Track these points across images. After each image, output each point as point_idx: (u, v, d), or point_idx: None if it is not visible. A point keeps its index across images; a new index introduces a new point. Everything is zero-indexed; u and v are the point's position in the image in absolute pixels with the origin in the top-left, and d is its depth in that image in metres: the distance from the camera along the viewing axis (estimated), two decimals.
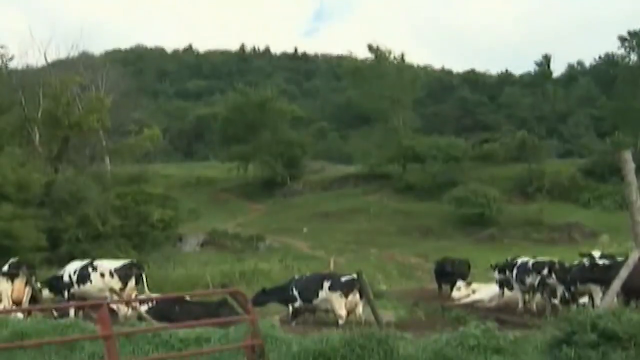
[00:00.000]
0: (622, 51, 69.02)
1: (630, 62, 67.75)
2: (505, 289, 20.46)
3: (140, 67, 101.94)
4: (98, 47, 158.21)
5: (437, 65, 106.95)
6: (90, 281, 17.43)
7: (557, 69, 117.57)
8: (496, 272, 20.35)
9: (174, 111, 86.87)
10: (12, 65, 46.38)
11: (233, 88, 70.67)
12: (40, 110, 40.39)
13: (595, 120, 77.12)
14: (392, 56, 66.83)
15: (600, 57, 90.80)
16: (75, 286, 17.52)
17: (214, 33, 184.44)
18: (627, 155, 11.63)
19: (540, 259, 18.95)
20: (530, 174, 53.80)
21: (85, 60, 51.24)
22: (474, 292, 22.43)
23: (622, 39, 66.23)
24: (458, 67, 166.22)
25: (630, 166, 11.44)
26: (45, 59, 47.16)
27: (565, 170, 54.29)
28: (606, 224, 41.66)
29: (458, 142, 60.05)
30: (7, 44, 73.92)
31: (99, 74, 47.99)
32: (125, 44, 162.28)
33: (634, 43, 65.28)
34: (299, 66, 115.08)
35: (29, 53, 67.77)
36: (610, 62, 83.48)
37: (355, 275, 16.20)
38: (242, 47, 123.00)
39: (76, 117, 39.55)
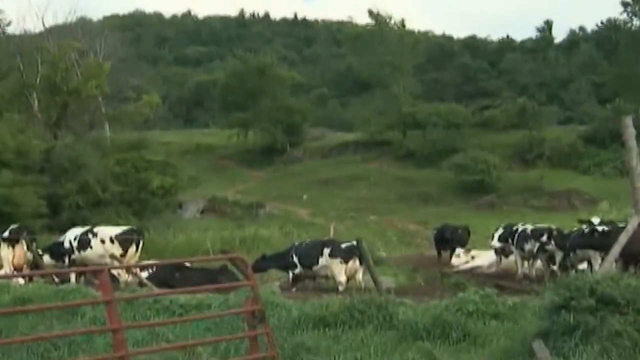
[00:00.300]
0: (624, 16, 68.38)
1: (633, 28, 67.16)
2: (503, 256, 20.52)
3: (139, 32, 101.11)
4: (96, 13, 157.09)
5: (438, 31, 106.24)
6: (91, 247, 17.51)
7: (559, 34, 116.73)
8: (496, 240, 20.23)
9: (173, 77, 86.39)
10: (10, 30, 46.12)
11: (232, 54, 70.21)
12: (39, 76, 40.17)
13: (597, 87, 76.77)
14: (392, 22, 66.34)
15: (602, 23, 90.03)
16: (76, 252, 17.61)
17: None
18: (628, 121, 11.61)
19: (539, 225, 18.99)
20: (530, 140, 53.72)
21: (83, 26, 50.80)
22: (472, 258, 22.51)
23: (625, 4, 65.54)
24: (459, 32, 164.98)
25: (631, 132, 11.43)
26: (43, 25, 46.79)
27: (565, 137, 54.22)
28: (606, 191, 41.72)
29: (458, 108, 59.85)
30: (5, 9, 73.18)
31: (97, 40, 47.60)
32: (123, 9, 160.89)
33: (637, 8, 64.61)
34: (299, 32, 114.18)
35: (26, 18, 67.25)
36: (613, 27, 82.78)
37: (355, 242, 16.26)
38: (242, 13, 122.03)
39: (75, 83, 39.34)
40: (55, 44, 41.05)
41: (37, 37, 45.29)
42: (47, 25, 47.10)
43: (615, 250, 11.47)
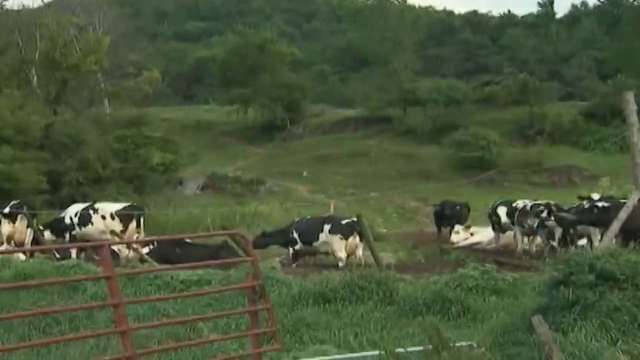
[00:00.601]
0: None
1: (635, 3, 66.71)
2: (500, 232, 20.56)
3: (138, 7, 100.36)
4: None
5: (439, 6, 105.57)
6: (92, 223, 17.58)
7: (560, 9, 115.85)
8: (505, 217, 20.10)
9: (173, 53, 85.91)
10: (8, 5, 45.89)
11: (232, 30, 69.79)
12: (38, 51, 39.99)
13: (598, 63, 76.40)
14: None
15: None
16: (77, 228, 17.68)
17: None
18: (630, 97, 11.57)
19: (539, 201, 19.02)
20: (531, 117, 53.59)
21: (81, 1, 50.39)
22: (472, 235, 22.57)
23: None
24: (460, 8, 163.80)
25: (632, 108, 11.40)
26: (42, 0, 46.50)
27: (566, 113, 54.06)
28: (607, 167, 41.73)
29: (459, 84, 59.62)
30: None
31: (96, 15, 47.28)
32: None
33: None
34: (299, 7, 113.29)
35: None
36: (614, 2, 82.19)
37: (355, 218, 16.30)
38: None
39: (74, 58, 39.15)
40: (54, 19, 40.79)
41: (36, 12, 45.02)
42: (45, 0, 46.83)
43: (615, 226, 11.50)
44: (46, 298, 9.32)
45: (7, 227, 17.24)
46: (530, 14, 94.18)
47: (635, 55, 57.92)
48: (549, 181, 44.33)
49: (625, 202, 12.11)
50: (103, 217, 17.52)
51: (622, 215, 11.40)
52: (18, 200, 18.79)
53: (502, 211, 20.23)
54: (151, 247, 15.83)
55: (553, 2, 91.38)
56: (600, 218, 14.54)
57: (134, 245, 15.24)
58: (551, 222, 17.42)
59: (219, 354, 6.96)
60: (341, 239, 16.55)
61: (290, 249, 17.50)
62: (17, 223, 17.29)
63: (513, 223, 19.14)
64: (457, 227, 23.03)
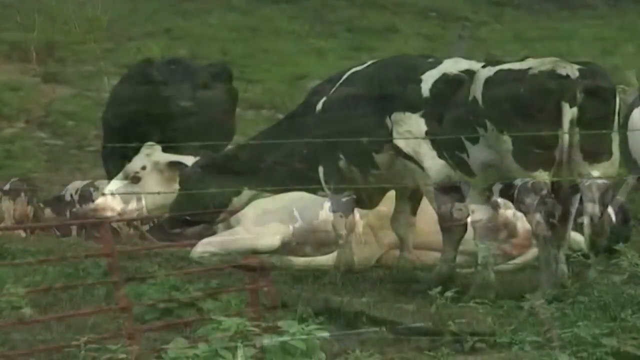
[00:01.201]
0: None
1: None
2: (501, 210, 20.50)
3: None
4: None
5: None
6: (92, 201, 17.55)
7: None
8: (497, 195, 20.06)
9: (172, 30, 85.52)
10: None
11: (230, 5, 69.37)
12: (36, 30, 39.79)
13: (600, 40, 76.00)
14: None
15: None
16: (77, 206, 17.67)
17: None
18: (630, 75, 11.53)
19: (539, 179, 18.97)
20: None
21: None
22: (472, 212, 22.55)
23: None
24: None
25: (633, 85, 11.36)
26: None
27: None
28: (606, 145, 41.67)
29: (460, 62, 59.42)
30: None
31: None
32: None
33: None
34: None
35: None
36: None
37: (354, 197, 16.27)
38: None
39: (73, 36, 38.98)
40: None
41: None
42: None
43: (615, 204, 11.50)
44: (46, 275, 9.33)
45: (7, 205, 17.23)
46: None
47: (637, 31, 57.49)
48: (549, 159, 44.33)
49: (625, 180, 12.13)
50: (103, 195, 17.50)
51: (622, 192, 11.41)
52: (18, 178, 18.77)
53: (496, 188, 20.13)
54: (152, 224, 15.82)
55: None
56: (600, 195, 14.53)
57: (135, 223, 15.23)
58: (551, 200, 17.39)
59: (219, 331, 6.99)
60: (341, 216, 16.54)
61: (291, 227, 17.50)
62: (17, 200, 17.29)
63: (512, 201, 19.11)
64: (458, 204, 23.00)
